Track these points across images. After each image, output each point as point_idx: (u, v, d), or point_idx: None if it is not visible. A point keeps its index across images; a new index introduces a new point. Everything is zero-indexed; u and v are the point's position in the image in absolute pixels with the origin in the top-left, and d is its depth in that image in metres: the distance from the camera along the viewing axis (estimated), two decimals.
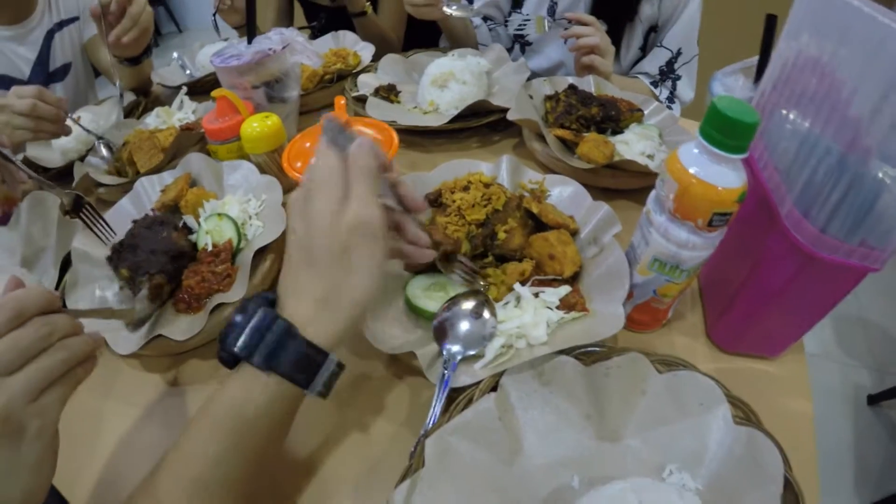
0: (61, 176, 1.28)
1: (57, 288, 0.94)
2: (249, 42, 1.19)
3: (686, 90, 1.53)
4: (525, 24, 1.57)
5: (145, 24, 1.36)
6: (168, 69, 1.68)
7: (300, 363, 0.55)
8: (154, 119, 1.39)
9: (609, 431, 0.65)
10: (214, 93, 1.14)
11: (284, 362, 0.55)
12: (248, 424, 0.55)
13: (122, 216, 1.01)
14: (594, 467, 0.63)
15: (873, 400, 2.15)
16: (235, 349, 0.55)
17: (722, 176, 0.60)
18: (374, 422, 0.73)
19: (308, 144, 0.97)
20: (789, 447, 0.57)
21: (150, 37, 1.46)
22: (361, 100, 1.27)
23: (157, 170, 1.16)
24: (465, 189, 0.84)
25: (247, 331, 0.55)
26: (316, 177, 0.58)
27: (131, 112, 1.49)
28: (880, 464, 1.97)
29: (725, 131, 0.58)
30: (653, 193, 0.69)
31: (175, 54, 1.71)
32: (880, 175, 0.53)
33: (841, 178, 0.55)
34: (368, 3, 1.69)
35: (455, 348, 0.70)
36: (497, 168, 0.94)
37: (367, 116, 1.15)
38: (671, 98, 1.51)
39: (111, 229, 0.98)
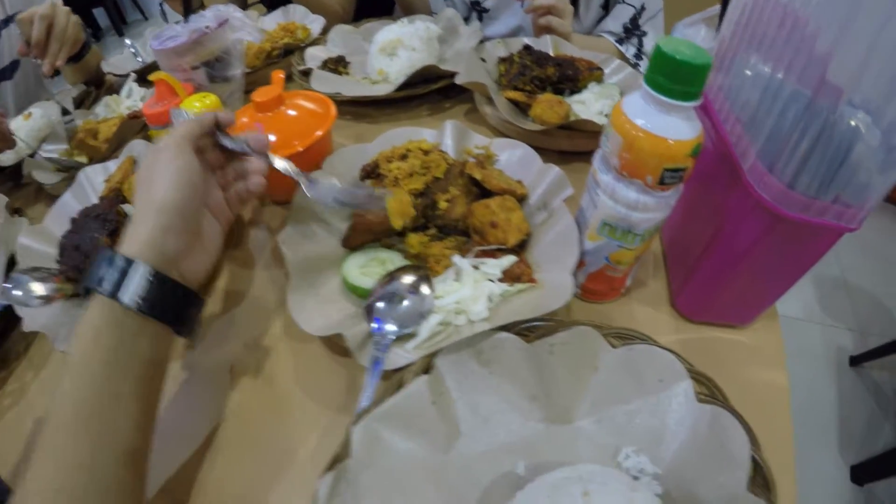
0: (12, 174, 1.22)
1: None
2: (186, 19, 1.11)
3: (652, 45, 1.43)
4: None
5: (73, 37, 1.30)
6: (121, 57, 1.58)
7: (103, 273, 0.53)
8: (103, 109, 1.32)
9: (558, 413, 0.57)
10: (152, 76, 1.06)
11: (92, 276, 0.53)
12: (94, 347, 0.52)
13: (66, 211, 0.96)
14: (542, 452, 0.56)
15: (855, 361, 2.10)
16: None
17: (672, 127, 0.51)
18: (309, 407, 0.66)
19: (244, 120, 0.89)
20: (762, 423, 0.50)
21: (83, 39, 1.38)
22: (308, 74, 1.18)
23: (101, 160, 1.09)
24: (404, 158, 0.76)
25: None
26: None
27: (82, 103, 1.40)
28: (863, 425, 1.93)
29: (673, 76, 0.49)
30: (598, 152, 0.61)
31: (128, 41, 1.61)
32: (853, 122, 0.45)
33: (809, 127, 0.46)
34: None
35: (388, 327, 0.63)
36: (441, 134, 0.86)
37: (311, 90, 1.06)
38: (638, 55, 1.41)
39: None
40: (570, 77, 1.00)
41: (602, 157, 0.59)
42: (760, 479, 0.48)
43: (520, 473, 0.54)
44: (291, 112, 0.89)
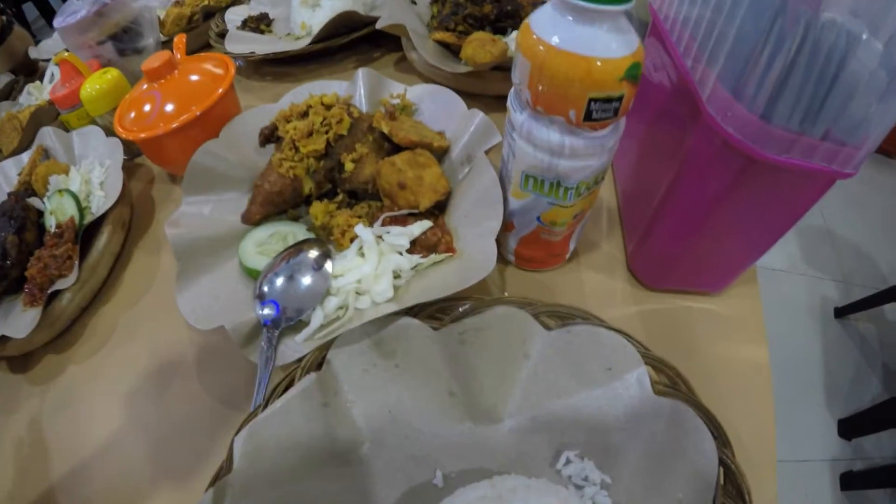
0: None
1: None
2: None
3: None
4: None
5: None
6: (50, 41, 1.44)
7: None
8: (26, 97, 1.20)
9: (482, 411, 0.45)
10: (55, 58, 0.99)
11: None
12: None
13: None
14: (464, 458, 0.45)
15: (840, 313, 1.99)
16: None
17: (596, 42, 0.37)
18: (212, 407, 0.56)
19: (145, 87, 0.76)
20: (739, 408, 0.44)
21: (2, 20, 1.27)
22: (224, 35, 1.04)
23: (17, 151, 0.99)
24: (305, 116, 0.62)
25: None
26: None
27: (10, 93, 1.28)
28: (849, 377, 1.85)
29: None
30: (511, 89, 0.47)
31: (57, 20, 1.46)
32: (846, 25, 0.31)
33: (784, 37, 0.32)
34: None
35: (281, 315, 0.50)
36: (353, 86, 0.71)
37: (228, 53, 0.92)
38: None
39: None
40: (509, 14, 0.85)
41: (514, 92, 0.46)
42: (732, 487, 0.36)
43: (437, 484, 0.44)
44: (192, 77, 0.76)
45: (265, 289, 0.52)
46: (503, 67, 0.76)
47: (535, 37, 0.39)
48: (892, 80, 0.30)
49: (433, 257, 0.52)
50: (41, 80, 1.21)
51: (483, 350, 0.44)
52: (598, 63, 0.37)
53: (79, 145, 0.87)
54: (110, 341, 0.65)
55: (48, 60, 1.29)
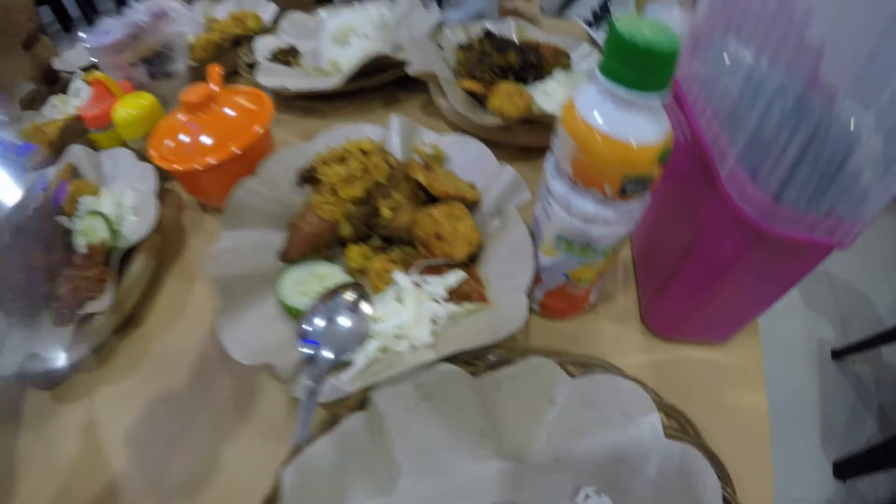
0: None
1: None
2: (122, 14, 1.03)
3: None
4: None
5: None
6: (73, 52, 1.47)
7: None
8: (50, 109, 1.22)
9: (511, 449, 0.50)
10: (88, 77, 0.99)
11: None
12: None
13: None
14: (491, 493, 0.49)
15: (837, 355, 2.03)
16: None
17: (634, 127, 0.42)
18: (248, 436, 0.59)
19: (181, 116, 0.81)
20: (739, 451, 0.48)
21: (32, 22, 1.29)
22: (254, 66, 1.09)
23: (44, 165, 0.99)
24: (343, 161, 0.67)
25: None
26: None
27: (32, 103, 1.29)
28: (845, 420, 1.88)
29: (634, 64, 0.40)
30: (550, 156, 0.52)
31: (83, 35, 1.50)
32: (851, 122, 0.36)
33: (799, 127, 0.37)
34: None
35: (324, 354, 0.55)
36: (387, 131, 0.76)
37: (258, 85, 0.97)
38: None
39: None
40: (533, 64, 0.91)
41: (554, 162, 0.51)
42: None
43: None
44: (228, 111, 0.80)
45: (308, 328, 0.56)
46: (527, 119, 0.80)
47: (579, 117, 0.44)
48: (889, 165, 0.35)
49: (467, 306, 0.57)
50: (63, 92, 1.24)
51: (514, 395, 0.49)
52: (635, 147, 0.42)
53: (108, 166, 0.90)
54: (142, 366, 0.68)
55: (72, 73, 1.33)
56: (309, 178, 0.69)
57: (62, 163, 0.93)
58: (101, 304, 0.70)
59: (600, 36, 1.27)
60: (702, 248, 0.50)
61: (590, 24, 1.29)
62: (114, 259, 0.75)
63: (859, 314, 2.18)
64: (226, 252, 0.64)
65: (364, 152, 0.66)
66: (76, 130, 1.05)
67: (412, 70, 0.89)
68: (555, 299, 0.60)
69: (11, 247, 0.77)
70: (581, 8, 1.33)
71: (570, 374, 0.49)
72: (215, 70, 0.84)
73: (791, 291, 0.49)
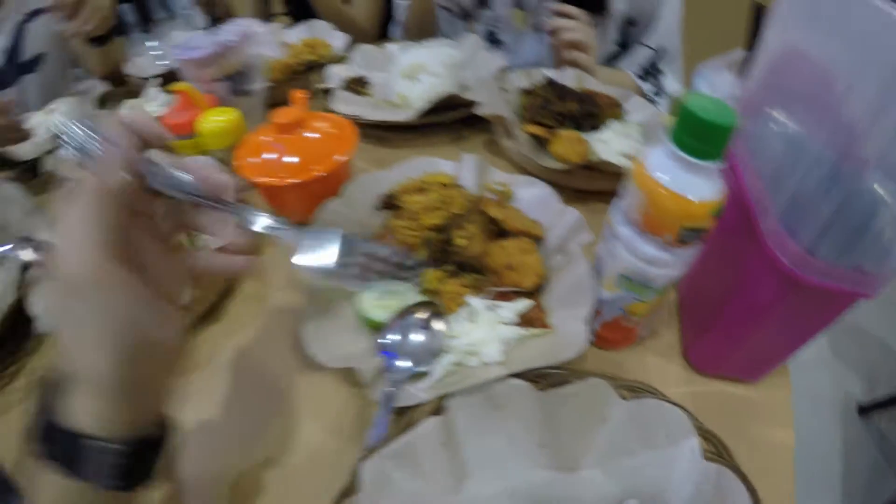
0: (33, 168, 1.24)
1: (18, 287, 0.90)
2: (210, 32, 1.14)
3: (673, 84, 1.44)
4: (496, 23, 1.52)
5: (106, 10, 1.34)
6: (143, 58, 1.59)
7: (61, 450, 0.42)
8: (125, 111, 1.31)
9: (565, 460, 0.57)
10: (174, 87, 1.08)
11: (48, 451, 0.42)
12: None
13: None
14: (547, 499, 0.56)
15: (864, 410, 2.08)
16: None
17: (694, 186, 0.51)
18: (317, 434, 0.67)
19: (264, 139, 0.90)
20: (766, 482, 0.51)
21: (111, 17, 1.41)
22: (328, 92, 1.19)
23: None
24: (422, 191, 0.77)
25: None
26: (60, 214, 0.41)
27: (105, 103, 1.41)
28: (868, 476, 1.91)
29: (699, 136, 0.49)
30: (617, 203, 0.61)
31: (152, 44, 1.62)
32: (878, 190, 0.45)
33: (833, 192, 0.46)
34: None
35: (401, 363, 0.64)
36: (460, 167, 0.87)
37: (332, 111, 1.07)
38: (657, 93, 1.42)
39: None
40: (591, 113, 1.01)
41: (621, 210, 0.60)
42: None
43: None
44: (311, 135, 0.90)
45: (388, 340, 0.66)
46: (586, 166, 0.90)
47: (647, 174, 0.54)
48: None
49: (532, 331, 0.66)
50: (134, 97, 1.34)
51: (573, 411, 0.58)
52: (694, 204, 0.51)
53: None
54: (217, 361, 0.74)
55: (145, 78, 1.42)
56: (390, 203, 0.78)
57: None
58: (182, 298, 0.78)
59: (648, 88, 1.37)
60: (742, 292, 0.59)
61: (641, 78, 1.39)
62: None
63: (887, 369, 2.22)
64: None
65: (443, 185, 0.76)
66: None
67: (482, 111, 1.00)
68: (610, 331, 0.69)
69: None
70: (628, 63, 1.43)
71: (623, 397, 0.57)
72: (300, 95, 0.93)
73: (821, 343, 0.58)
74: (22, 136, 1.20)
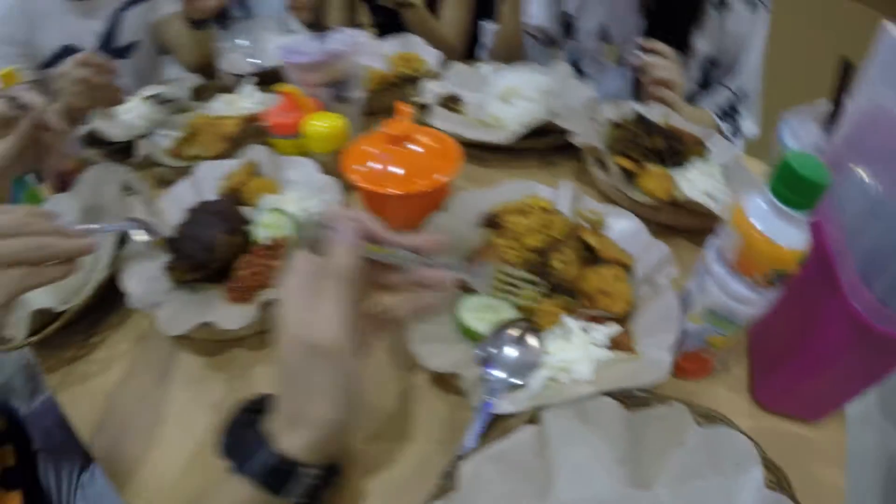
0: (124, 151, 1.32)
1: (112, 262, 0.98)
2: (317, 37, 1.23)
3: (750, 126, 1.51)
4: (580, 54, 1.60)
5: None
6: (235, 54, 1.69)
7: (268, 471, 0.54)
8: (220, 105, 1.42)
9: (641, 478, 0.64)
10: (280, 87, 1.16)
11: (254, 468, 0.54)
12: None
13: (179, 199, 1.06)
14: None
15: None
16: (222, 451, 0.58)
17: (786, 234, 0.59)
18: (407, 435, 0.75)
19: (369, 148, 0.99)
20: None
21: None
22: (424, 107, 1.28)
23: (218, 157, 1.19)
24: (524, 213, 0.85)
25: (232, 433, 0.59)
26: (286, 284, 0.56)
27: (197, 95, 1.52)
28: None
29: (795, 189, 0.57)
30: (713, 241, 0.69)
31: (241, 42, 1.73)
32: None
33: None
34: None
35: (500, 375, 0.71)
36: (557, 193, 0.95)
37: (429, 125, 1.15)
38: (734, 133, 1.49)
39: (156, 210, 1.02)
40: (676, 150, 1.08)
41: (717, 249, 0.67)
42: None
43: None
44: (417, 148, 0.97)
45: (489, 352, 0.73)
46: (671, 202, 0.97)
47: (745, 218, 0.61)
48: None
49: (619, 354, 0.74)
50: (227, 92, 1.45)
51: (657, 431, 0.64)
52: (785, 250, 0.59)
53: (288, 171, 1.08)
54: None
55: (238, 75, 1.53)
56: (493, 222, 0.87)
57: (244, 158, 1.12)
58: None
59: (726, 128, 1.44)
60: (814, 336, 0.66)
61: (719, 117, 1.46)
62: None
63: None
64: None
65: (544, 210, 0.84)
66: (250, 131, 1.25)
67: (577, 140, 1.08)
68: (688, 361, 0.76)
69: (202, 222, 0.93)
70: (709, 102, 1.50)
71: (698, 423, 0.64)
72: (406, 108, 1.00)
73: (870, 400, 0.64)
74: (117, 100, 1.31)
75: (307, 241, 0.57)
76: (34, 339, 0.88)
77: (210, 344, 0.90)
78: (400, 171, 0.94)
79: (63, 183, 1.19)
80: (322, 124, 1.08)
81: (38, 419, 1.15)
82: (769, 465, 0.61)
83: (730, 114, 1.49)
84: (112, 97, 1.29)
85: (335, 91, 1.21)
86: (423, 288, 0.61)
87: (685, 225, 1.00)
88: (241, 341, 0.90)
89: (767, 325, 0.76)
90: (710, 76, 1.52)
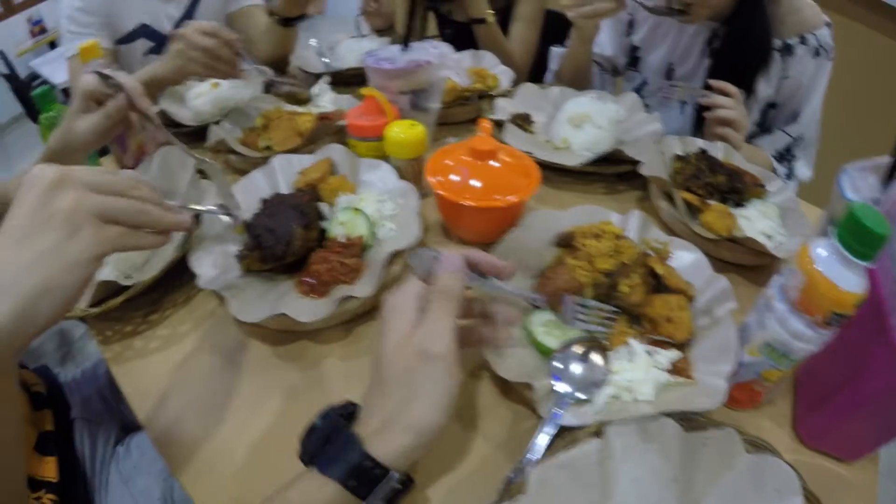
0: (192, 135, 1.41)
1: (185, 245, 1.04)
2: (405, 48, 1.30)
3: (804, 170, 1.58)
4: (643, 86, 1.70)
5: None
6: (307, 53, 1.78)
7: (357, 474, 0.58)
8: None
9: (690, 499, 0.68)
10: (363, 90, 1.24)
11: (342, 470, 0.58)
12: None
13: (253, 188, 1.13)
14: None
15: None
16: (305, 452, 0.63)
17: (847, 279, 0.65)
18: (471, 440, 0.80)
19: (448, 162, 1.06)
20: None
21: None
22: (497, 124, 1.34)
23: (290, 151, 1.26)
24: (597, 237, 0.91)
25: (317, 436, 0.63)
26: (395, 300, 0.67)
27: (268, 89, 1.57)
28: None
29: (861, 239, 0.63)
30: (777, 280, 0.75)
31: (313, 41, 1.81)
32: None
33: None
34: (492, 14, 1.76)
35: (569, 389, 0.78)
36: (625, 221, 1.02)
37: (503, 142, 1.21)
38: (789, 175, 1.57)
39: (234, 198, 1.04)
40: (737, 189, 1.15)
41: (780, 287, 0.74)
42: None
43: None
44: (496, 164, 1.05)
45: (558, 367, 0.80)
46: (731, 239, 1.04)
47: (810, 261, 0.68)
48: None
49: (678, 379, 0.80)
50: (298, 88, 1.52)
51: (709, 454, 0.70)
52: (845, 294, 0.66)
53: (365, 173, 1.14)
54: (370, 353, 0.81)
55: (312, 73, 1.62)
56: (567, 242, 0.94)
57: (321, 155, 1.18)
58: (359, 289, 0.91)
59: (781, 170, 1.51)
60: (861, 378, 0.72)
61: (777, 160, 1.53)
62: (377, 257, 0.96)
63: None
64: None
65: (616, 236, 0.92)
66: (323, 129, 1.32)
67: (645, 171, 1.15)
68: (740, 391, 0.82)
69: (280, 215, 0.98)
70: (767, 143, 1.57)
71: (747, 450, 0.70)
72: (487, 125, 1.07)
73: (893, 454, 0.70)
74: (234, 75, 1.39)
75: (418, 270, 0.69)
76: (95, 310, 0.94)
77: (277, 333, 0.95)
78: (479, 185, 1.02)
79: (135, 161, 1.26)
80: (403, 131, 1.14)
81: (79, 387, 1.21)
82: (809, 496, 0.67)
83: (786, 156, 1.56)
84: (229, 71, 1.37)
85: (414, 99, 1.28)
86: (490, 321, 0.74)
87: (741, 261, 1.06)
88: (309, 333, 0.95)
89: (816, 364, 0.81)
90: (767, 118, 1.59)
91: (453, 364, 0.62)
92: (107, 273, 0.99)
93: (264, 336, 0.95)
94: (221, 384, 0.89)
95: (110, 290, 0.96)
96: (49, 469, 0.92)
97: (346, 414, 0.65)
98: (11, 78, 3.61)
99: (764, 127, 1.60)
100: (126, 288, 0.96)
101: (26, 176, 0.59)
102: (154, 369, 0.91)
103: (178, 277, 1.03)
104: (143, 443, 1.11)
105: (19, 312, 0.55)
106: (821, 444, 0.82)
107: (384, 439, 0.59)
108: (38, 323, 0.56)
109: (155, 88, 1.36)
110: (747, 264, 1.07)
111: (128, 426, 1.19)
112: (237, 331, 0.97)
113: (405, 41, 1.30)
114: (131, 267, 1.06)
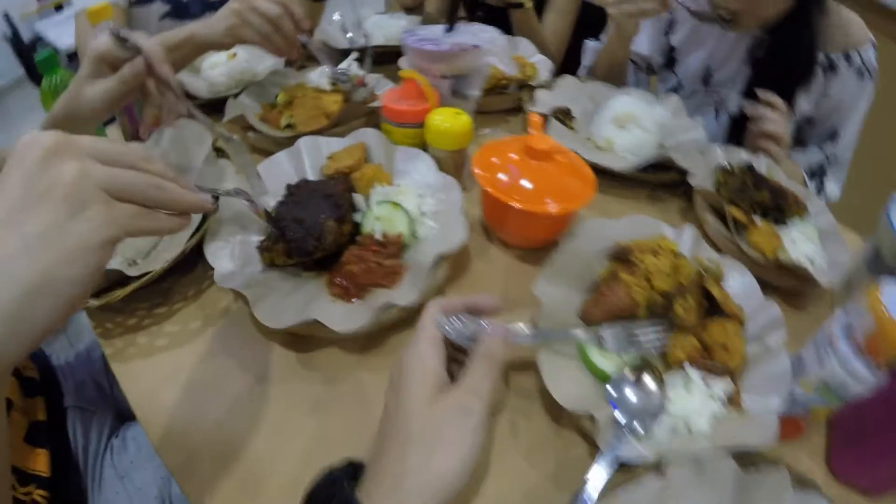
0: (204, 108, 1.34)
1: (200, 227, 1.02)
2: (450, 30, 1.30)
3: (833, 189, 1.62)
4: (678, 88, 1.72)
5: None
6: (331, 28, 1.76)
7: None
8: (316, 76, 1.47)
9: None
10: (403, 73, 1.22)
11: None
12: None
13: (278, 171, 1.10)
14: None
15: None
16: None
17: None
18: (519, 466, 0.80)
19: (494, 159, 1.06)
20: None
21: None
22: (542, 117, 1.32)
23: (314, 132, 1.23)
24: (654, 253, 0.92)
25: (321, 496, 0.60)
26: (416, 354, 0.67)
27: (293, 62, 1.57)
28: None
29: None
30: (842, 319, 0.78)
31: (337, 15, 1.77)
32: None
33: None
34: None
35: (628, 420, 0.78)
36: (679, 235, 1.03)
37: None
38: (818, 192, 1.61)
39: (261, 182, 1.03)
40: (778, 207, 1.17)
41: (846, 327, 0.77)
42: None
43: None
44: (550, 166, 1.04)
45: (616, 395, 0.81)
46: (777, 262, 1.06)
47: (882, 305, 0.72)
48: None
49: (731, 411, 0.82)
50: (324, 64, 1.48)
51: (762, 492, 0.73)
52: None
53: (401, 161, 1.11)
54: None
55: (341, 49, 1.62)
56: (622, 256, 0.95)
57: (353, 140, 1.15)
58: (400, 296, 0.88)
59: (811, 186, 1.55)
60: None
61: (809, 176, 1.57)
62: (420, 259, 0.95)
63: None
64: (544, 294, 0.91)
65: (674, 254, 0.93)
66: (352, 111, 1.30)
67: (695, 182, 1.17)
68: (786, 424, 0.82)
69: (310, 205, 0.96)
70: (801, 158, 1.61)
71: (795, 489, 0.73)
72: (538, 120, 1.09)
73: None
74: (293, 54, 1.37)
75: (456, 335, 0.72)
76: (96, 302, 0.90)
77: (300, 338, 0.92)
78: (529, 186, 1.02)
79: (150, 135, 1.23)
80: (447, 120, 1.13)
81: (73, 372, 1.18)
82: None
83: (817, 174, 1.60)
84: (285, 49, 1.33)
85: (455, 85, 1.28)
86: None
87: (784, 283, 1.08)
88: (337, 340, 0.92)
89: (856, 402, 0.84)
90: (803, 134, 1.63)
91: (485, 424, 0.62)
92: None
93: (285, 340, 0.93)
94: (233, 394, 0.86)
95: (112, 278, 0.91)
96: (40, 462, 0.91)
97: (348, 476, 0.61)
98: (15, 41, 3.59)
99: (797, 140, 1.63)
100: (130, 276, 0.92)
101: (17, 142, 0.51)
102: (160, 370, 0.89)
103: (190, 264, 1.00)
104: (140, 435, 1.10)
105: (8, 316, 0.46)
106: (853, 480, 0.84)
107: (399, 498, 0.56)
108: (35, 329, 0.49)
109: (190, 52, 1.32)
110: (787, 288, 1.09)
111: (123, 414, 1.18)
112: (255, 331, 0.94)
113: (450, 22, 1.30)
114: (137, 252, 1.01)
